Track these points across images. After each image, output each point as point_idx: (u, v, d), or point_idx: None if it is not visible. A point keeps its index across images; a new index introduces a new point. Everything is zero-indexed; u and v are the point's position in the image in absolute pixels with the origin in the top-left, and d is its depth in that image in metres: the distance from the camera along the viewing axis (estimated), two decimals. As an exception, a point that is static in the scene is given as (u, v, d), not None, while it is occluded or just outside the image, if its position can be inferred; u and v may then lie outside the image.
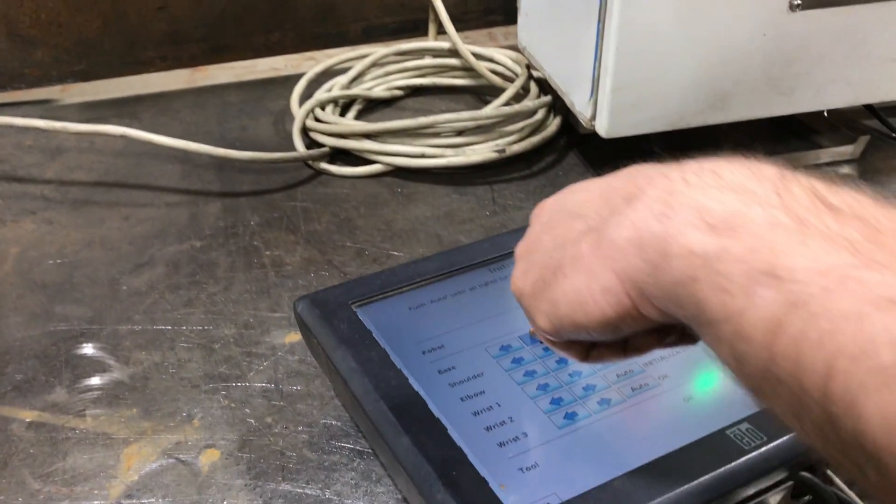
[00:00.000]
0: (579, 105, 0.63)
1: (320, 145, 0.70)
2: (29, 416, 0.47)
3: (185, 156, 0.70)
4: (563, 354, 0.34)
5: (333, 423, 0.46)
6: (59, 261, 0.59)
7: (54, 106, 0.81)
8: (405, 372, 0.40)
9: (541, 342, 0.40)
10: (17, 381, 0.49)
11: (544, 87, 0.74)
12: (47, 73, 0.80)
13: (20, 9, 0.76)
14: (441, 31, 0.83)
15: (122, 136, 0.66)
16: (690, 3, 0.56)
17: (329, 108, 0.74)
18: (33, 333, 0.53)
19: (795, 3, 0.57)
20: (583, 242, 0.30)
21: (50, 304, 0.55)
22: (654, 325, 0.29)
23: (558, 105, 0.72)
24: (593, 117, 0.61)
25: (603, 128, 0.60)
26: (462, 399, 0.39)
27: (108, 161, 0.71)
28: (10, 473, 0.43)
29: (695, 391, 0.40)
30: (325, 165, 0.69)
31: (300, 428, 0.46)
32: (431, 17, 0.84)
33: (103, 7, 0.79)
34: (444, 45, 0.81)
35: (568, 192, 0.34)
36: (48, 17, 0.77)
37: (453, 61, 0.81)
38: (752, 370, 0.24)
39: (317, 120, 0.72)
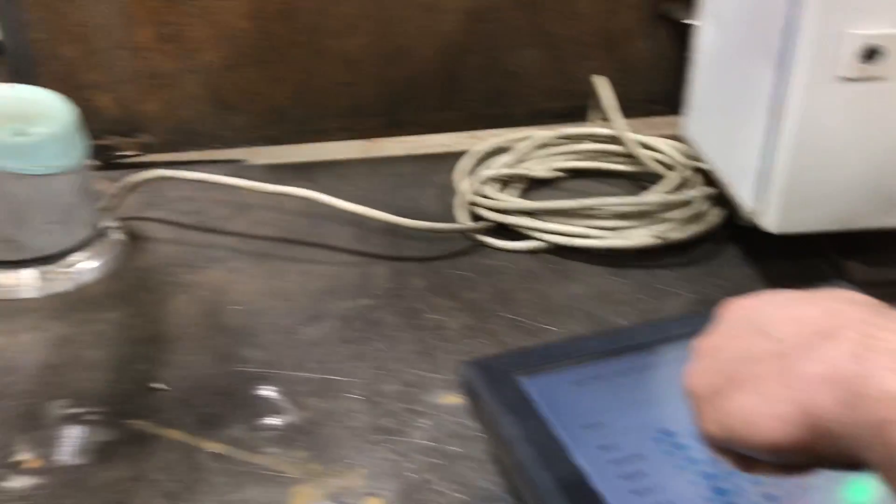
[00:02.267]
0: (745, 199, 0.64)
1: (483, 219, 0.74)
2: (213, 447, 0.51)
3: (358, 220, 0.75)
4: (724, 460, 0.35)
5: (490, 487, 0.48)
6: (242, 307, 0.65)
7: (242, 166, 0.89)
8: (567, 445, 0.42)
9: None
10: (204, 414, 0.54)
11: (707, 177, 0.76)
12: (241, 135, 0.88)
13: (226, 79, 0.85)
14: (603, 117, 0.86)
15: (306, 199, 0.72)
16: (869, 108, 0.56)
17: (492, 185, 0.78)
18: (218, 371, 0.58)
19: (980, 111, 0.57)
20: (767, 364, 0.30)
21: (233, 346, 0.61)
22: (825, 459, 0.29)
23: (720, 196, 0.73)
24: (760, 212, 0.61)
25: (771, 224, 0.60)
26: (623, 477, 0.41)
27: (289, 219, 0.78)
28: (196, 499, 0.48)
29: (860, 486, 0.40)
30: (486, 238, 0.72)
31: (457, 487, 0.48)
32: (594, 103, 0.87)
33: (296, 80, 0.87)
34: (606, 131, 0.84)
35: (760, 302, 0.34)
36: (248, 87, 0.86)
37: (614, 147, 0.84)
38: None
39: (481, 195, 0.76)
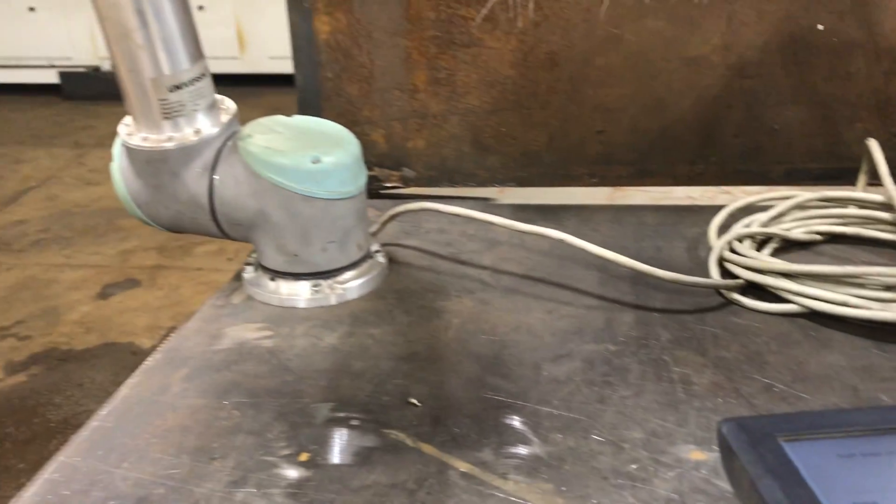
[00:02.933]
0: None
1: (734, 276, 0.73)
2: (462, 466, 0.54)
3: (603, 264, 0.76)
4: None
5: (740, 549, 0.46)
6: (491, 337, 0.68)
7: (491, 204, 0.94)
8: (835, 518, 0.40)
9: None
10: (455, 434, 0.57)
11: None
12: (494, 175, 0.93)
13: (486, 122, 0.90)
14: (872, 182, 0.81)
15: (556, 240, 0.75)
16: None
17: (746, 243, 0.76)
18: (468, 395, 0.61)
19: None
20: None
21: (482, 373, 0.64)
22: None
23: None
24: None
25: None
26: (897, 563, 0.38)
27: (535, 258, 0.80)
28: (447, 511, 0.50)
29: None
30: (737, 296, 0.71)
31: (704, 545, 0.47)
32: (864, 168, 0.83)
33: (552, 127, 0.90)
34: (876, 197, 0.80)
35: None
36: (507, 130, 0.90)
37: (883, 215, 0.79)
38: None
39: (733, 251, 0.75)
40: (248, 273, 0.76)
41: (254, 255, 0.77)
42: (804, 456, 0.44)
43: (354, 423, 0.59)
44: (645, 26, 0.84)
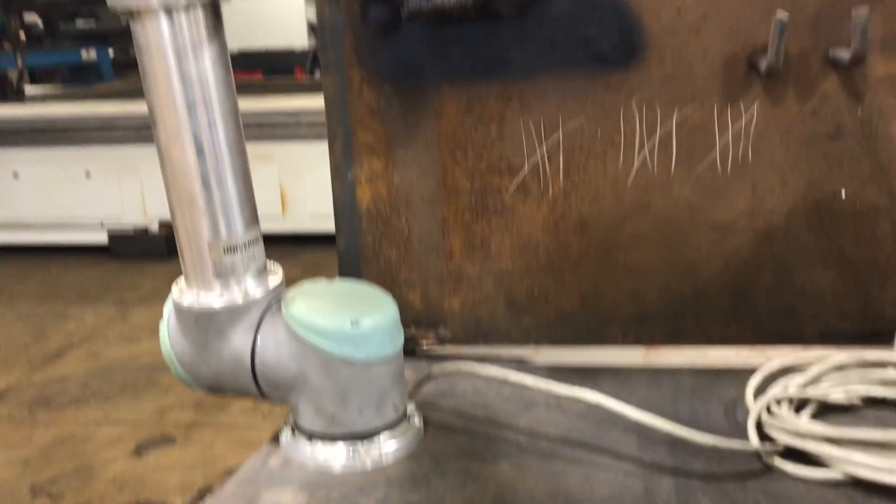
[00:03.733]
0: None
1: (772, 439, 0.72)
2: None
3: (640, 428, 0.76)
4: None
5: None
6: (528, 504, 0.67)
7: (526, 365, 0.95)
8: None
9: None
10: None
11: None
12: (528, 335, 0.95)
13: (519, 283, 0.93)
14: (909, 344, 0.81)
15: (595, 403, 0.75)
16: None
17: (784, 406, 0.76)
18: (505, 566, 0.60)
19: None
20: None
21: (519, 542, 0.62)
22: None
23: None
24: None
25: None
26: None
27: (571, 421, 0.80)
28: None
29: None
30: (779, 462, 0.70)
31: None
32: (899, 329, 0.83)
33: (584, 288, 0.92)
34: (914, 359, 0.79)
35: None
36: (539, 292, 0.93)
37: (922, 377, 0.79)
38: None
39: (771, 415, 0.74)
40: (286, 435, 0.77)
41: (291, 417, 0.78)
42: None
43: None
44: (671, 194, 0.88)
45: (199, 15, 0.67)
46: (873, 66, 0.82)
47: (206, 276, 0.72)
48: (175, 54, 0.67)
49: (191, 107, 0.68)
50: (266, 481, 0.72)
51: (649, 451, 0.74)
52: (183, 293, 0.74)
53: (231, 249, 0.72)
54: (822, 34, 0.82)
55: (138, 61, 0.68)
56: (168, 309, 0.76)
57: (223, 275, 0.72)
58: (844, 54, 0.81)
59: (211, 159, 0.70)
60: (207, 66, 0.68)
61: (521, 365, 0.94)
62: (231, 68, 0.71)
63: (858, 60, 0.81)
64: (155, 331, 0.79)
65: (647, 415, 0.73)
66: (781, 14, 0.78)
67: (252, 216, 0.73)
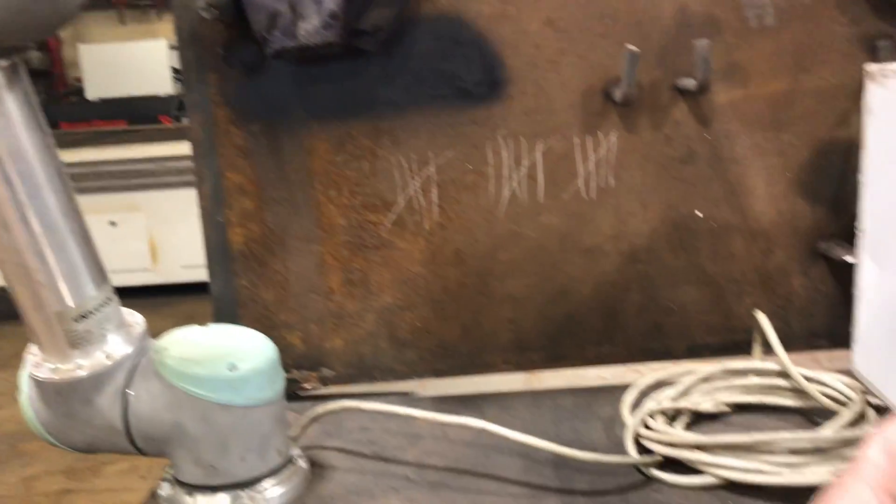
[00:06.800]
0: (931, 435, 0.62)
1: (650, 452, 0.74)
2: None
3: (526, 451, 0.77)
4: None
5: None
6: (419, 537, 0.67)
7: (412, 398, 0.95)
8: None
9: None
10: None
11: (881, 412, 0.74)
12: (412, 369, 0.95)
13: (401, 318, 0.93)
14: (766, 351, 0.87)
15: (477, 430, 0.76)
16: None
17: (659, 418, 0.79)
18: None
19: None
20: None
21: (412, 576, 0.62)
22: None
23: (901, 433, 0.71)
24: (950, 449, 0.59)
25: (964, 461, 0.58)
26: None
27: (458, 449, 0.81)
28: None
29: None
30: (656, 473, 0.72)
31: None
32: (757, 338, 0.88)
33: (464, 318, 0.94)
34: (771, 366, 0.85)
35: None
36: (421, 325, 0.93)
37: (780, 381, 0.84)
38: None
39: (647, 428, 0.77)
40: (164, 490, 0.74)
41: (169, 471, 0.74)
42: None
43: None
44: (541, 222, 0.91)
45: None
46: (717, 94, 0.88)
47: (60, 347, 0.67)
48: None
49: (7, 181, 0.62)
50: (145, 540, 0.68)
51: (535, 472, 0.75)
52: (39, 365, 0.69)
53: (83, 316, 0.67)
54: (670, 65, 0.88)
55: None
56: (24, 381, 0.71)
57: (79, 344, 0.67)
58: (691, 83, 0.87)
59: (42, 230, 0.64)
60: (18, 133, 0.62)
61: (407, 398, 0.94)
62: (45, 127, 0.64)
63: (703, 89, 0.87)
64: (16, 396, 0.74)
65: (530, 437, 0.74)
66: (631, 47, 0.83)
67: (100, 275, 0.68)
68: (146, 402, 0.70)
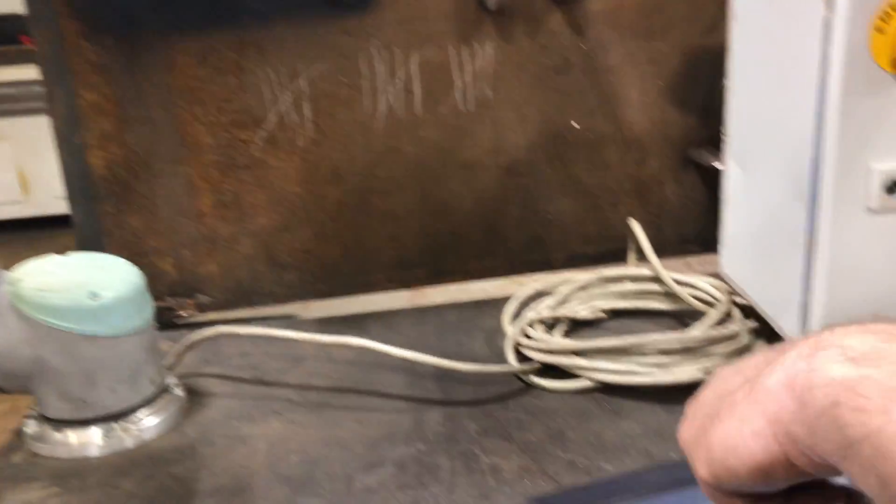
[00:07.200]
0: (788, 330, 0.65)
1: (531, 360, 0.76)
2: None
3: (409, 366, 0.77)
4: None
5: None
6: (301, 457, 0.66)
7: (296, 321, 0.93)
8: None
9: None
10: (268, 564, 0.54)
11: (747, 312, 0.77)
12: (293, 292, 0.93)
13: (279, 240, 0.90)
14: (640, 258, 0.89)
15: (359, 348, 0.75)
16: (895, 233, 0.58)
17: (538, 327, 0.80)
18: (280, 521, 0.59)
19: None
20: (739, 391, 0.33)
21: (293, 495, 0.61)
22: (805, 476, 0.31)
23: (762, 329, 0.75)
24: (803, 341, 0.63)
25: (815, 351, 0.61)
26: None
27: (342, 369, 0.80)
28: None
29: None
30: (536, 379, 0.74)
31: None
32: (632, 246, 0.90)
33: (345, 238, 0.92)
34: (645, 271, 0.87)
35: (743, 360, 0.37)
36: (301, 246, 0.91)
37: (653, 286, 0.87)
38: (894, 489, 0.25)
39: (527, 337, 0.78)
40: (30, 427, 0.70)
41: (35, 407, 0.71)
42: (603, 523, 0.46)
43: (157, 572, 0.54)
44: (420, 137, 0.89)
45: None
46: (591, 2, 0.87)
47: None
48: None
49: None
50: (10, 479, 0.65)
51: (418, 387, 0.76)
52: None
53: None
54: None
55: None
56: None
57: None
58: (564, -9, 0.86)
59: None
60: None
61: (290, 322, 0.93)
62: None
63: (577, -4, 0.86)
64: None
65: (412, 353, 0.74)
66: (504, -47, 0.81)
67: None
68: (2, 336, 0.66)
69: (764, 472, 0.31)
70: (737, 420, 0.32)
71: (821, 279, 0.59)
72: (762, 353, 0.35)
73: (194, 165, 0.86)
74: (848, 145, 0.57)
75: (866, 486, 0.27)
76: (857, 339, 0.29)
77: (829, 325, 0.31)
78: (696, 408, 0.37)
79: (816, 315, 0.60)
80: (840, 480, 0.33)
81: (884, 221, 0.58)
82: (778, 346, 0.34)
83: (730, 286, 0.79)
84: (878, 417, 0.26)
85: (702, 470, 0.34)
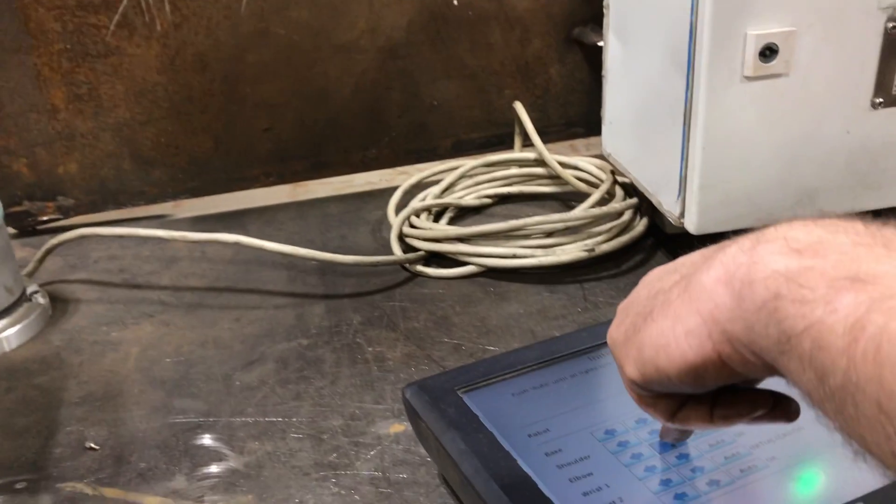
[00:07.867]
0: (667, 205, 0.65)
1: (416, 250, 0.74)
2: (153, 501, 0.49)
3: (290, 262, 0.74)
4: (650, 413, 0.36)
5: (441, 508, 0.47)
6: (176, 359, 0.63)
7: (168, 220, 0.88)
8: (513, 454, 0.42)
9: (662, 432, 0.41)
10: (141, 469, 0.52)
11: (629, 190, 0.77)
12: (164, 190, 0.87)
13: (143, 133, 0.84)
14: (526, 143, 0.87)
15: (235, 244, 0.71)
16: (773, 104, 0.58)
17: (423, 216, 0.78)
18: (154, 425, 0.56)
19: (877, 101, 0.59)
20: (674, 289, 0.31)
21: (169, 398, 0.59)
22: (735, 378, 0.30)
23: (644, 206, 0.75)
24: (682, 215, 0.63)
25: (692, 225, 0.61)
26: (571, 480, 0.40)
27: (219, 268, 0.76)
28: (137, 554, 0.46)
29: (803, 473, 0.40)
30: (421, 268, 0.72)
31: (408, 514, 0.47)
32: (517, 130, 0.88)
33: (216, 130, 0.86)
34: (530, 155, 0.86)
35: (675, 261, 0.36)
36: (167, 140, 0.85)
37: (539, 170, 0.85)
38: (832, 384, 0.23)
39: (412, 226, 0.76)
40: None
41: None
42: (481, 402, 0.45)
43: (20, 486, 0.51)
44: (290, 17, 0.83)
45: None
46: None
47: None
48: None
49: None
50: None
51: (300, 282, 0.73)
52: None
53: None
54: None
55: None
56: None
57: None
58: None
59: None
60: None
61: (161, 221, 0.87)
62: None
63: None
64: None
65: (290, 247, 0.71)
66: None
67: None
68: None
69: (695, 372, 0.30)
70: (670, 319, 0.30)
71: (697, 148, 0.59)
72: (700, 252, 0.33)
73: (40, 54, 0.78)
74: (724, 11, 0.55)
75: (802, 383, 0.25)
76: (801, 231, 0.27)
77: (775, 221, 0.29)
78: (627, 307, 0.36)
79: (692, 187, 0.60)
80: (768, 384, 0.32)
81: (758, 88, 0.57)
82: (718, 245, 0.32)
83: (612, 166, 0.79)
84: (820, 308, 0.24)
85: (630, 370, 0.33)
